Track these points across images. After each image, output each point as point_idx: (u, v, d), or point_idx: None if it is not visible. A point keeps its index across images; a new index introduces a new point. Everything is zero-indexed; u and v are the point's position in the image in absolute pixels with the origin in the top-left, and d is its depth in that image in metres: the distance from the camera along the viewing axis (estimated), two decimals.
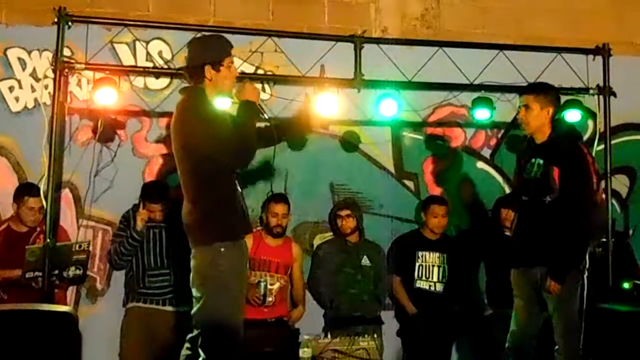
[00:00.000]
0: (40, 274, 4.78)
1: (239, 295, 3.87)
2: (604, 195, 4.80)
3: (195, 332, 3.88)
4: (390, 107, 5.52)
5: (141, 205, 5.41)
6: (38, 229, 5.20)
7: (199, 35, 4.86)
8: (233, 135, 3.78)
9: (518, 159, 4.84)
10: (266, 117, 4.08)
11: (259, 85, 5.90)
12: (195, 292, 3.83)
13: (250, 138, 3.81)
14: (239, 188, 3.98)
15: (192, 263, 3.87)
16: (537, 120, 4.57)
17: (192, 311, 3.84)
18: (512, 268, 4.70)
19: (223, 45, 3.99)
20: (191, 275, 3.87)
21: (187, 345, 3.98)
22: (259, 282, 5.40)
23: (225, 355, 3.77)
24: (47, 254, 4.75)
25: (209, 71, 3.88)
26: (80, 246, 5.04)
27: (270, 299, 5.45)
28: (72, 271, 4.95)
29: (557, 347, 4.48)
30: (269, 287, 5.45)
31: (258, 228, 5.70)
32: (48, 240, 4.76)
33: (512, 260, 4.71)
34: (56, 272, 4.85)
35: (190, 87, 4.00)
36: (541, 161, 4.53)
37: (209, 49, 3.96)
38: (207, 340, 3.77)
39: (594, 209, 4.55)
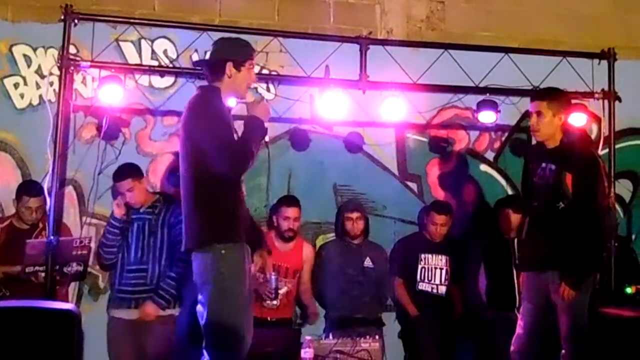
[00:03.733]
0: (41, 268, 4.80)
1: (241, 297, 3.79)
2: (613, 200, 4.82)
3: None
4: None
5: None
6: (40, 225, 5.21)
7: (205, 34, 4.89)
8: (234, 144, 3.75)
9: (526, 162, 4.81)
10: (266, 139, 4.02)
11: (263, 85, 5.94)
12: (199, 296, 3.81)
13: (250, 154, 3.75)
14: (243, 192, 3.95)
15: (193, 265, 3.85)
16: (550, 128, 4.51)
17: (198, 310, 3.82)
18: (522, 271, 4.70)
19: (248, 48, 4.01)
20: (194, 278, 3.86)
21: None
22: (271, 275, 5.40)
23: (229, 357, 3.75)
24: (49, 251, 4.75)
25: (230, 68, 3.87)
26: (81, 242, 5.03)
27: (281, 291, 5.42)
28: (73, 267, 4.94)
29: (563, 351, 4.48)
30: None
31: (269, 231, 5.71)
32: (51, 237, 4.76)
33: (522, 263, 4.72)
34: (57, 267, 4.84)
35: (206, 86, 3.99)
36: (553, 166, 4.49)
37: (234, 48, 3.97)
38: (210, 343, 3.76)
39: (607, 214, 4.54)
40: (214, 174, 3.73)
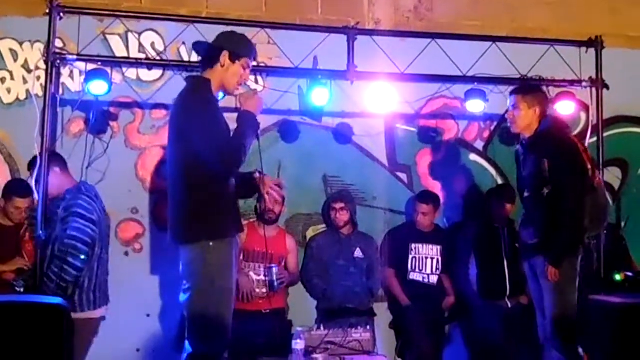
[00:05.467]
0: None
1: (226, 291, 3.79)
2: (599, 180, 4.90)
3: None
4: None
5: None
6: (26, 223, 5.16)
7: (192, 26, 4.86)
8: (227, 142, 3.72)
9: (517, 157, 4.96)
10: (258, 133, 3.97)
11: (252, 77, 5.92)
12: (184, 283, 3.81)
13: (242, 151, 3.72)
14: (233, 185, 3.90)
15: (181, 257, 3.84)
16: (525, 120, 4.73)
17: (180, 299, 3.83)
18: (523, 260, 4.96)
19: (250, 47, 3.97)
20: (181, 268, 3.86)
21: None
22: (271, 267, 5.40)
23: (209, 349, 3.74)
24: (39, 245, 4.71)
25: (225, 57, 3.82)
26: None
27: (278, 283, 5.40)
28: None
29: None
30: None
31: (251, 220, 5.72)
32: (40, 232, 4.73)
33: (521, 252, 4.97)
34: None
35: (196, 77, 3.94)
36: (533, 156, 4.67)
37: (236, 41, 3.92)
38: (191, 333, 3.77)
39: (592, 194, 4.63)
40: (205, 172, 3.70)
